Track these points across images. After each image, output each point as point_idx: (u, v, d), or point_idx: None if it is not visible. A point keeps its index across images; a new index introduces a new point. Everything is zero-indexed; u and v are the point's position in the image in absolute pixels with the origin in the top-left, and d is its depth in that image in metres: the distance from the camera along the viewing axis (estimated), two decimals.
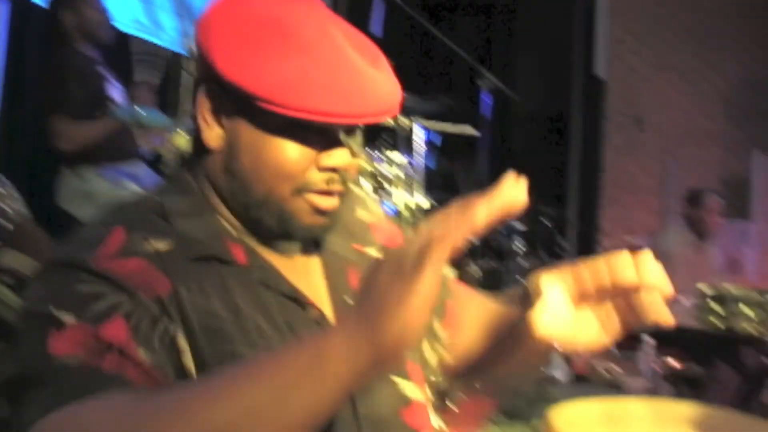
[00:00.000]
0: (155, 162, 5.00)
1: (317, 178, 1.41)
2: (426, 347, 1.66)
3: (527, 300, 1.28)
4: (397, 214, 4.87)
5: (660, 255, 5.01)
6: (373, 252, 1.67)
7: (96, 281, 1.29)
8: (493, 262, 7.17)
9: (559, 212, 9.05)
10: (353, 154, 1.45)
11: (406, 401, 1.55)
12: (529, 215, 7.89)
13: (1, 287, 3.40)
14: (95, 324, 1.25)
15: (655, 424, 1.67)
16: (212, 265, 1.40)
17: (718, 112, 10.74)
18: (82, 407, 1.17)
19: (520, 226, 7.34)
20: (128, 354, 1.25)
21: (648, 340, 3.82)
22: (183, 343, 1.32)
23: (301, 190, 1.41)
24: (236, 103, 1.38)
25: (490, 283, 7.02)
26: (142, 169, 4.94)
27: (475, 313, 1.80)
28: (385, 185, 4.73)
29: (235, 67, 1.34)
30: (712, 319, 2.17)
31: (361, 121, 1.41)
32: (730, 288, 3.02)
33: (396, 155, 4.82)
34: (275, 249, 1.49)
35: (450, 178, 8.61)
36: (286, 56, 1.35)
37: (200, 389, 1.17)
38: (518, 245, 7.17)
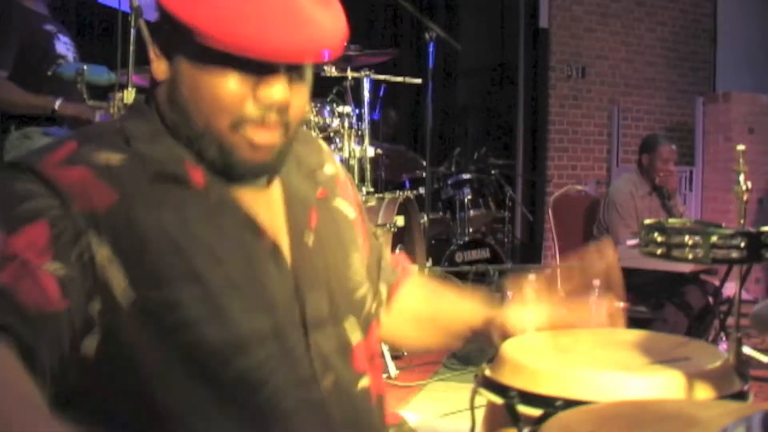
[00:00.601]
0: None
1: (254, 111, 1.42)
2: (370, 303, 1.71)
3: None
4: (345, 163, 4.93)
5: (610, 202, 5.12)
6: (338, 203, 1.72)
7: (33, 181, 1.31)
8: (443, 212, 7.23)
9: (507, 162, 9.11)
10: (293, 89, 1.46)
11: (354, 340, 1.59)
12: (477, 165, 7.95)
13: None
14: (11, 229, 1.26)
15: (600, 348, 1.73)
16: (168, 186, 1.41)
17: (661, 60, 10.87)
18: None
19: (468, 177, 7.39)
20: (34, 268, 1.24)
21: (595, 282, 3.88)
22: (104, 258, 1.32)
23: (237, 123, 1.42)
24: (178, 37, 1.39)
25: (439, 231, 7.10)
26: None
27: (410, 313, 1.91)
28: (333, 136, 4.77)
29: (178, 4, 1.36)
30: (653, 248, 2.24)
31: (295, 59, 1.42)
32: (672, 221, 3.10)
33: (344, 107, 4.85)
34: (235, 177, 1.49)
35: (396, 128, 8.65)
36: None
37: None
38: (467, 195, 7.22)
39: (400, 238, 4.72)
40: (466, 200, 7.19)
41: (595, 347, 1.74)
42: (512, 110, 10.27)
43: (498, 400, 1.49)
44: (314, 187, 1.65)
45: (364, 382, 1.57)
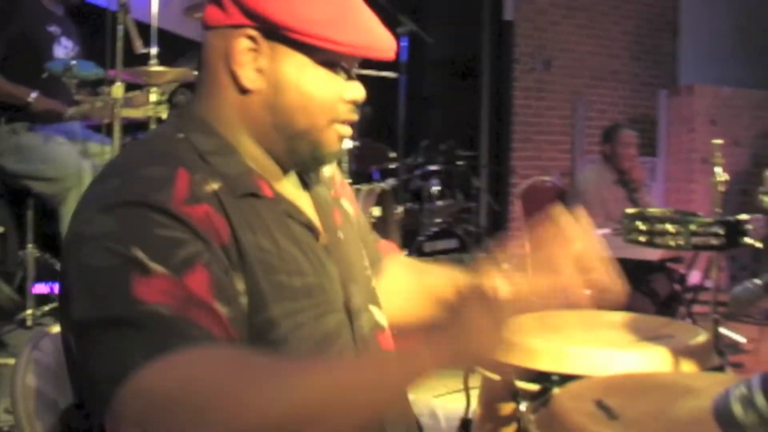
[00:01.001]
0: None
1: (344, 109, 1.58)
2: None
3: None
4: None
5: (577, 192, 5.23)
6: (343, 202, 1.87)
7: (175, 226, 1.35)
8: (411, 203, 7.31)
9: (473, 153, 9.19)
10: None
11: (380, 327, 1.74)
12: (444, 157, 8.03)
13: None
14: (179, 274, 1.31)
15: (588, 327, 1.83)
16: (248, 201, 1.50)
17: (625, 53, 10.99)
18: (183, 357, 1.23)
19: (435, 168, 7.47)
20: (209, 306, 1.32)
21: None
22: (241, 285, 1.41)
23: (333, 120, 1.57)
24: (283, 45, 1.51)
25: (409, 222, 7.18)
26: (77, 126, 4.97)
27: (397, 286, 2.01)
28: None
29: (287, 14, 1.48)
30: (635, 236, 2.34)
31: (387, 55, 1.57)
32: (652, 210, 3.22)
33: None
34: (312, 169, 1.69)
35: (369, 121, 8.71)
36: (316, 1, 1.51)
37: (301, 366, 1.31)
38: (434, 186, 7.30)
39: (376, 229, 4.81)
40: (434, 191, 7.26)
41: (583, 327, 1.84)
42: (477, 102, 10.33)
43: (496, 377, 1.58)
44: (328, 189, 1.79)
45: None
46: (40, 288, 5.08)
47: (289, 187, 1.64)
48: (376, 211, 4.46)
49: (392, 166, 6.55)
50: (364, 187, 4.74)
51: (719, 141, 2.86)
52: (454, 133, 9.50)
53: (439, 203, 7.30)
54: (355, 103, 1.60)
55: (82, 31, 5.23)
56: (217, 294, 1.34)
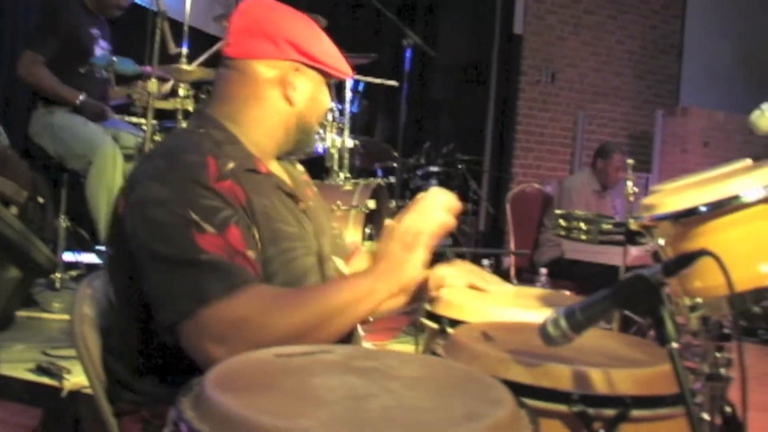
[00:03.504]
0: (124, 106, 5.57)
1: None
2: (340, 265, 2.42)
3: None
4: (326, 152, 5.54)
5: (564, 194, 5.77)
6: (314, 188, 2.49)
7: (212, 197, 1.91)
8: (410, 200, 7.74)
9: (475, 158, 9.60)
10: None
11: (342, 273, 2.33)
12: (445, 159, 8.50)
13: None
14: (222, 232, 1.86)
15: (511, 296, 2.39)
16: (251, 174, 2.07)
17: (627, 71, 11.36)
18: (245, 294, 1.80)
19: (436, 169, 7.95)
20: (245, 254, 1.88)
21: (543, 270, 4.51)
22: (257, 234, 1.99)
23: (319, 120, 2.32)
24: (313, 71, 2.21)
25: None
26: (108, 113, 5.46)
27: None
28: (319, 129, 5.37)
29: (321, 53, 2.19)
30: (558, 230, 2.96)
31: (349, 76, 2.48)
32: (578, 212, 3.74)
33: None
34: (297, 153, 2.35)
35: (373, 123, 9.21)
36: (323, 41, 2.23)
37: (314, 291, 1.97)
38: (433, 186, 7.72)
39: (370, 220, 5.28)
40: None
41: (508, 296, 2.40)
42: (483, 110, 10.71)
43: (434, 326, 2.15)
44: (301, 174, 2.44)
45: None
46: (68, 256, 5.61)
47: (276, 167, 2.25)
48: (371, 204, 4.96)
49: (395, 164, 7.01)
50: (362, 182, 5.24)
51: (631, 161, 3.41)
52: (461, 137, 9.91)
53: None
54: (328, 108, 2.33)
55: (123, 26, 5.72)
56: (247, 244, 1.91)
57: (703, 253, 1.48)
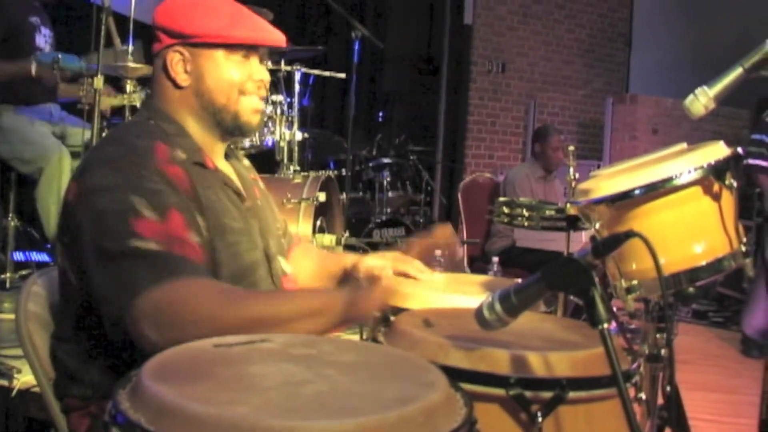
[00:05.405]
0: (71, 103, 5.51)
1: (252, 86, 2.22)
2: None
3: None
4: (275, 145, 5.53)
5: (508, 187, 5.84)
6: (261, 185, 2.49)
7: (158, 180, 1.94)
8: (363, 193, 7.79)
9: (427, 149, 9.63)
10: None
11: (285, 272, 2.35)
12: (397, 150, 8.52)
13: None
14: (162, 217, 1.88)
15: (453, 283, 2.42)
16: (199, 169, 2.10)
17: (577, 60, 11.50)
18: (177, 283, 1.80)
19: (388, 160, 7.97)
20: (187, 241, 1.90)
21: (495, 259, 4.56)
22: (203, 222, 2.00)
23: (241, 93, 2.19)
24: (201, 48, 2.15)
25: (359, 210, 7.67)
26: (56, 109, 5.41)
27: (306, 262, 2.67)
28: (267, 121, 5.36)
29: (193, 27, 2.14)
30: (502, 218, 3.00)
31: (282, 44, 2.25)
32: (522, 199, 3.82)
33: (277, 96, 5.45)
34: (242, 136, 2.35)
35: (321, 115, 9.22)
36: (221, 17, 2.16)
37: (262, 295, 2.00)
38: (386, 178, 7.79)
39: (321, 212, 5.29)
40: (385, 182, 7.72)
41: (450, 283, 2.43)
42: (434, 100, 10.70)
43: (377, 314, 2.17)
44: (248, 172, 2.45)
45: None
46: (18, 255, 5.57)
47: (224, 165, 2.25)
48: (321, 197, 4.96)
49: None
50: (311, 174, 5.24)
51: (572, 147, 3.46)
52: (413, 128, 9.93)
53: (390, 194, 7.79)
54: (262, 82, 2.23)
55: (67, 22, 5.64)
56: (190, 229, 1.93)
57: (631, 234, 1.50)
